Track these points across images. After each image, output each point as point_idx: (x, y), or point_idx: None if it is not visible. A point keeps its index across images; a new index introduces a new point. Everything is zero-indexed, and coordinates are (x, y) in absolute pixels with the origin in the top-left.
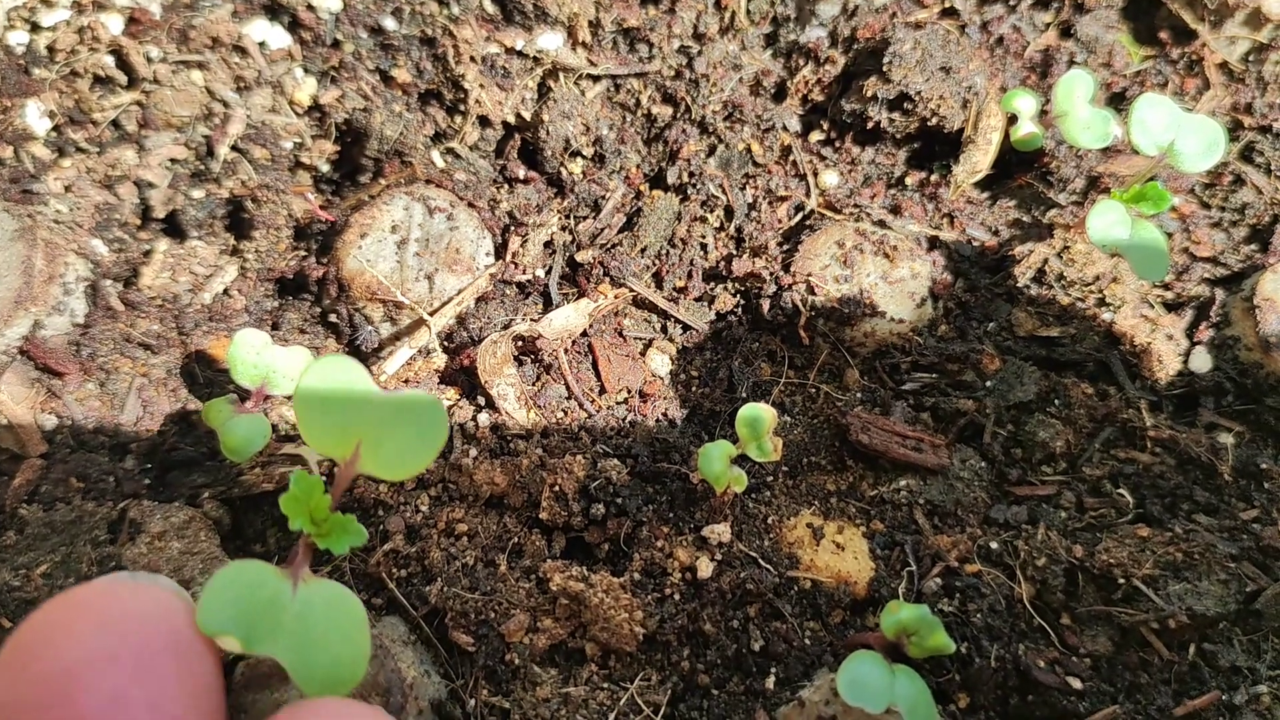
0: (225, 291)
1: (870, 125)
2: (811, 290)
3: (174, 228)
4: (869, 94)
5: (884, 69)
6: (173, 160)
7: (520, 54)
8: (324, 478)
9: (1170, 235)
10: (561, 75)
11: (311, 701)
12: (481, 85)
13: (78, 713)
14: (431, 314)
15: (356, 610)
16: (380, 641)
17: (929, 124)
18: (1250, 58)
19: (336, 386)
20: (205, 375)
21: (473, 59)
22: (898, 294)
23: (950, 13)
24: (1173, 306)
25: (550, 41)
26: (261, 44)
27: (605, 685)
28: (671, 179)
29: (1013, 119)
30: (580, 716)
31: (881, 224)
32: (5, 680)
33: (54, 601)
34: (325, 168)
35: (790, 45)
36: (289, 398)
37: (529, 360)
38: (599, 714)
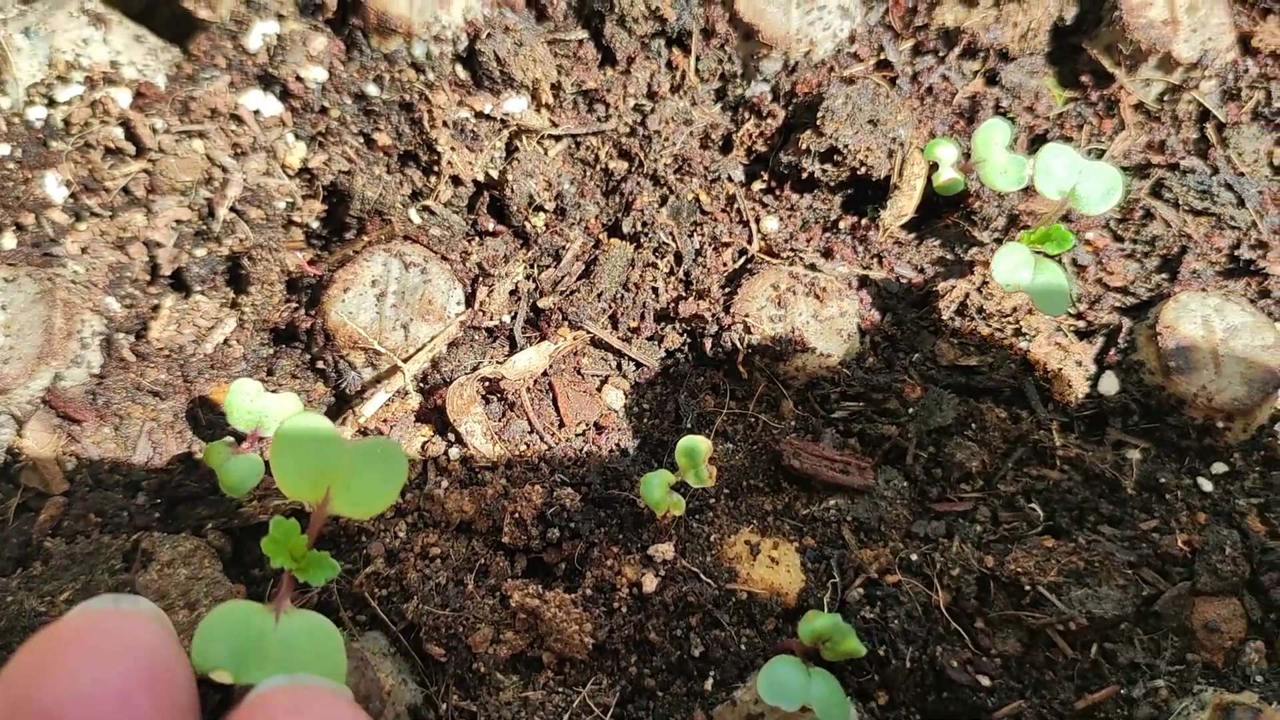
0: (225, 341)
1: (806, 175)
2: (748, 330)
3: (179, 284)
4: (804, 146)
5: (817, 123)
6: (178, 221)
7: (488, 117)
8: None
9: (1084, 268)
10: (525, 136)
11: (279, 689)
12: (453, 147)
13: None
14: (406, 360)
15: (332, 634)
16: (362, 654)
17: (858, 173)
18: (1165, 98)
19: (307, 439)
20: (207, 418)
21: (445, 123)
22: (827, 331)
23: (884, 65)
24: (1084, 334)
25: (516, 105)
26: (256, 112)
27: (561, 690)
28: (627, 228)
29: (935, 166)
30: (539, 717)
31: (813, 267)
32: (4, 711)
33: (43, 634)
34: (315, 224)
35: (737, 99)
36: None
37: (495, 399)
38: (555, 715)
